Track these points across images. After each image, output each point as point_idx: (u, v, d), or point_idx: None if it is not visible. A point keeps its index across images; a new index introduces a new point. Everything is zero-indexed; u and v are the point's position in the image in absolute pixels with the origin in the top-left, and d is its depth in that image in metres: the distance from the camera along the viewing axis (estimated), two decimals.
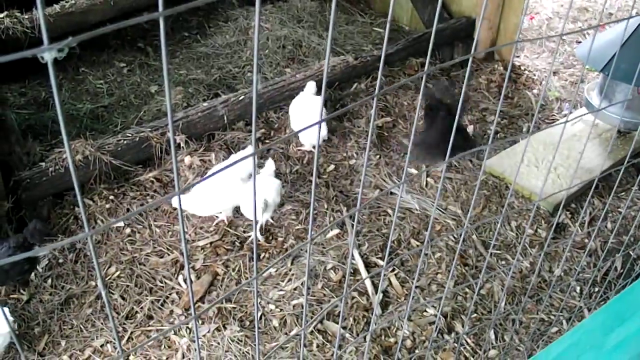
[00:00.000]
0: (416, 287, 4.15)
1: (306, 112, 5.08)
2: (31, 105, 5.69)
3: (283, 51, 6.47)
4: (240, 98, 5.24)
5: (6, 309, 3.77)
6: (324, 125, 5.05)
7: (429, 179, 5.03)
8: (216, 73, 6.22)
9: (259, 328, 3.91)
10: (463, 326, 3.88)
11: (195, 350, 3.75)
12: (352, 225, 4.55)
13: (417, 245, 4.45)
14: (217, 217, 4.60)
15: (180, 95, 5.72)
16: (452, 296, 4.07)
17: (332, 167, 5.13)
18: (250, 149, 4.65)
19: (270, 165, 4.62)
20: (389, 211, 4.73)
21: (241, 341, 3.82)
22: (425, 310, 4.01)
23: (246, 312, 4.01)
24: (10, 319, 3.66)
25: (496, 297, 4.09)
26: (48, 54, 0.83)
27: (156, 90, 5.98)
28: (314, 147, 5.12)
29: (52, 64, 0.85)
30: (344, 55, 5.93)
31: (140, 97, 5.86)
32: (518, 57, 6.82)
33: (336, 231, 4.56)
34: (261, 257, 4.39)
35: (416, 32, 6.47)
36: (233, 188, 4.38)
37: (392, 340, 3.83)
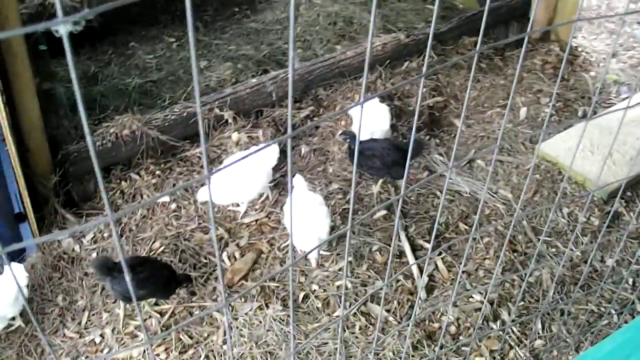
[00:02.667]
0: (463, 272, 4.06)
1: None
2: (81, 80, 5.70)
3: (334, 28, 6.37)
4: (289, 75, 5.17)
5: (21, 266, 3.81)
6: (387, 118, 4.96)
7: (479, 162, 4.90)
8: (265, 49, 6.17)
9: (300, 308, 3.88)
10: (509, 314, 3.78)
11: (237, 328, 3.75)
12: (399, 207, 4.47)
13: (466, 230, 4.35)
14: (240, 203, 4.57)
15: (229, 71, 5.69)
16: (500, 283, 3.97)
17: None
18: (273, 145, 4.54)
19: (300, 181, 4.26)
20: (438, 193, 4.64)
21: (283, 320, 3.79)
22: (472, 297, 3.93)
23: (288, 292, 3.98)
24: (25, 274, 3.72)
25: (545, 285, 3.98)
26: (63, 28, 0.77)
27: (205, 65, 5.95)
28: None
29: (68, 37, 0.79)
30: (396, 33, 5.81)
31: (189, 72, 5.84)
32: (575, 37, 6.60)
33: (383, 212, 4.48)
34: None
35: (470, 10, 6.30)
36: (255, 181, 4.35)
37: (436, 325, 3.76)
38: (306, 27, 6.41)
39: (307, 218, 3.95)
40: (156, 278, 3.60)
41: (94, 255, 4.18)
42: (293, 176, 4.33)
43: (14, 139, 3.86)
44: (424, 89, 5.46)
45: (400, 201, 1.66)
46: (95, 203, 4.53)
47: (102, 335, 3.75)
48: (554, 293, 3.93)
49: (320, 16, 6.49)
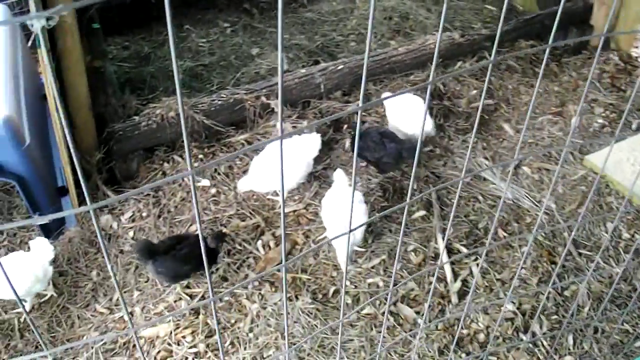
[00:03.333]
0: (497, 279, 3.99)
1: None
2: (133, 59, 5.81)
3: (389, 23, 6.32)
4: (339, 67, 5.15)
5: (46, 240, 3.87)
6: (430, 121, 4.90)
7: (525, 168, 4.80)
8: (319, 40, 6.15)
9: (330, 303, 3.87)
10: (541, 327, 3.70)
11: (265, 317, 3.75)
12: (439, 207, 4.42)
13: (505, 237, 4.27)
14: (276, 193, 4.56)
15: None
16: (534, 294, 3.89)
17: (429, 147, 4.97)
18: (315, 136, 4.50)
19: (341, 175, 4.21)
20: (479, 197, 4.56)
21: (311, 313, 3.78)
22: (504, 305, 3.85)
23: (320, 285, 3.97)
24: (51, 248, 3.79)
25: (580, 301, 3.88)
26: (37, 23, 0.76)
27: (257, 52, 5.97)
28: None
29: (43, 32, 0.79)
30: (450, 32, 5.72)
31: (240, 58, 5.86)
32: (636, 47, 6.39)
33: (422, 212, 4.43)
34: None
35: (529, 13, 6.17)
36: (294, 171, 4.33)
37: (464, 331, 3.71)
38: (361, 20, 6.36)
39: (344, 214, 3.92)
40: (198, 251, 3.62)
41: (131, 233, 4.23)
42: (334, 170, 4.32)
43: (61, 114, 3.92)
44: (474, 91, 5.37)
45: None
46: (137, 182, 4.58)
47: (131, 313, 3.80)
48: (589, 309, 3.83)
49: (377, 10, 6.43)
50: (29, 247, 3.82)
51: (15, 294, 1.26)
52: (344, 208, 3.93)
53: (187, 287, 3.93)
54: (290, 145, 4.33)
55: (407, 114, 4.77)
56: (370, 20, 1.12)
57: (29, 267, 3.60)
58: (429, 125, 4.81)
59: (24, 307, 1.25)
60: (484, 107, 5.36)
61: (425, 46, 5.38)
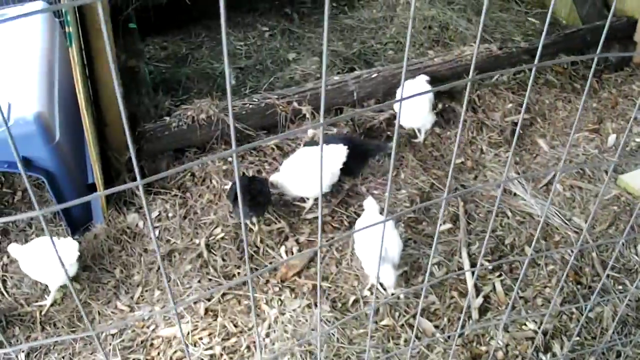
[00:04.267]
0: (520, 297, 3.92)
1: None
2: (170, 60, 5.88)
3: (428, 32, 6.27)
4: (373, 75, 5.13)
5: (76, 243, 3.92)
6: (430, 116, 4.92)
7: (557, 185, 4.71)
8: (357, 47, 6.14)
9: (349, 312, 3.85)
10: (562, 348, 3.62)
11: (282, 323, 3.75)
12: (465, 222, 4.37)
13: (531, 254, 4.19)
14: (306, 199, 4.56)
15: (315, 65, 5.69)
16: (557, 314, 3.81)
17: (461, 159, 4.92)
18: (341, 147, 4.45)
19: (372, 204, 4.08)
20: (508, 212, 4.49)
21: (329, 322, 3.77)
22: (525, 324, 3.78)
23: (340, 294, 3.95)
24: (77, 249, 3.85)
25: (605, 323, 3.78)
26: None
27: (294, 57, 5.98)
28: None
29: (75, 30, 0.79)
30: (488, 44, 5.66)
31: (277, 63, 5.89)
32: None
33: (448, 226, 4.39)
34: None
35: (570, 27, 6.06)
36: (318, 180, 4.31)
37: (483, 348, 3.65)
38: (401, 28, 6.33)
39: (378, 245, 3.81)
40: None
41: (156, 233, 4.27)
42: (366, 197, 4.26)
43: (91, 112, 3.99)
44: (510, 104, 5.29)
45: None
46: (166, 182, 4.62)
47: (151, 312, 3.84)
48: (613, 332, 3.74)
49: (416, 19, 6.40)
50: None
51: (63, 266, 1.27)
52: (378, 239, 3.78)
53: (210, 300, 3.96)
54: (316, 154, 4.32)
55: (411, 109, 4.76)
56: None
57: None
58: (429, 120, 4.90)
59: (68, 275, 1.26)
60: (520, 121, 5.26)
61: (461, 57, 5.33)
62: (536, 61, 1.63)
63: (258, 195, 4.14)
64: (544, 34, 1.44)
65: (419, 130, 5.03)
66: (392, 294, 3.90)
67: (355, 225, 4.09)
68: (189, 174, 4.67)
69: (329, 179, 4.38)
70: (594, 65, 1.75)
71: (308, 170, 4.22)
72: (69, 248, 3.80)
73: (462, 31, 6.28)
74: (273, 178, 4.40)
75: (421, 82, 4.99)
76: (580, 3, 6.07)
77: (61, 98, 4.19)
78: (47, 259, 3.65)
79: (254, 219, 4.31)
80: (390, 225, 3.88)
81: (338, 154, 4.33)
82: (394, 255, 3.74)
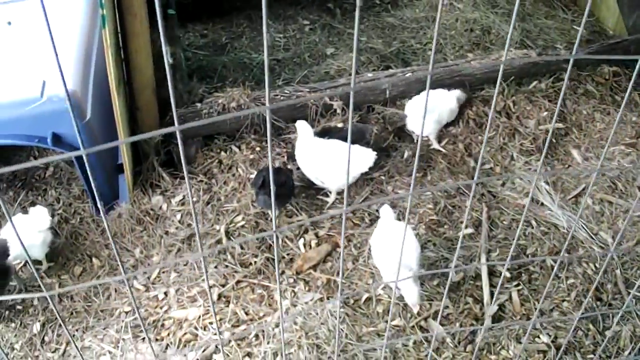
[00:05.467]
0: (536, 308, 3.86)
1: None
2: (209, 48, 5.93)
3: (469, 35, 6.20)
4: (407, 75, 5.10)
5: (44, 209, 4.07)
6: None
7: (587, 198, 4.62)
8: (396, 45, 6.11)
9: (360, 309, 3.86)
10: None
11: (293, 315, 3.77)
12: (487, 228, 4.33)
13: (552, 266, 4.13)
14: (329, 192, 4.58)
15: (351, 61, 5.68)
16: (573, 329, 3.74)
17: (490, 164, 4.87)
18: (370, 153, 4.36)
19: (388, 211, 4.03)
20: (533, 222, 4.43)
21: (340, 317, 3.78)
22: (538, 337, 3.73)
23: (354, 290, 3.96)
24: (48, 218, 4.01)
25: (622, 343, 3.71)
26: None
27: (331, 52, 5.98)
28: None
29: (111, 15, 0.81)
30: (527, 50, 5.58)
31: (314, 57, 5.90)
32: None
33: (470, 230, 4.35)
34: None
35: (615, 38, 5.93)
36: (337, 177, 4.33)
37: (493, 357, 3.62)
38: (442, 29, 6.27)
39: (396, 254, 3.73)
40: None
41: (178, 217, 4.34)
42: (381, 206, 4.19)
43: (123, 94, 4.06)
44: (545, 112, 5.21)
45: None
46: (193, 168, 4.68)
47: (165, 294, 3.90)
48: (629, 353, 3.66)
49: (459, 21, 6.33)
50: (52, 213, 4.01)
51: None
52: (395, 247, 3.66)
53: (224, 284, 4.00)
54: (343, 151, 4.30)
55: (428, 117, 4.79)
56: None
57: (26, 232, 3.84)
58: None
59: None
60: (553, 130, 5.19)
61: (498, 62, 5.25)
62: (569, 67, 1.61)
63: (282, 187, 4.17)
64: (578, 35, 1.42)
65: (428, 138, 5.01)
66: (418, 314, 3.84)
67: (372, 235, 4.04)
68: (217, 160, 4.73)
69: (350, 179, 4.38)
70: (634, 76, 1.72)
71: (328, 161, 4.25)
72: (40, 215, 3.96)
73: (503, 36, 6.19)
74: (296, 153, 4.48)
75: (449, 95, 4.95)
76: (627, 13, 5.93)
77: (96, 78, 4.27)
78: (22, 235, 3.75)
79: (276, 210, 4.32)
80: (410, 233, 3.84)
81: (365, 159, 4.29)
82: (412, 263, 3.66)
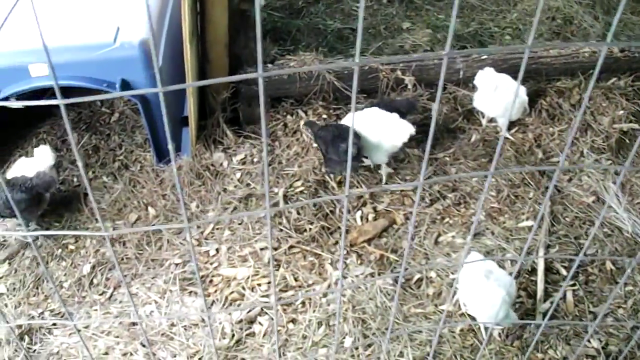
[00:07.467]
0: (590, 312, 3.75)
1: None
2: (285, 10, 5.90)
3: (550, 23, 6.00)
4: (483, 57, 4.96)
5: (49, 148, 4.20)
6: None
7: None
8: (474, 26, 5.96)
9: (410, 289, 3.80)
10: None
11: (342, 287, 3.74)
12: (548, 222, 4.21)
13: (611, 270, 4.00)
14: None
15: (427, 38, 5.58)
16: (625, 337, 3.63)
17: (558, 158, 4.72)
18: (407, 126, 4.26)
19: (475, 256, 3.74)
20: (596, 222, 4.28)
21: (389, 295, 3.74)
22: (589, 341, 3.62)
23: (406, 270, 3.90)
24: (53, 155, 4.16)
25: None
26: None
27: (407, 27, 5.87)
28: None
29: None
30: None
31: (390, 29, 5.80)
32: None
33: (530, 223, 4.23)
34: (444, 220, 4.22)
35: None
36: (379, 146, 4.25)
37: (539, 355, 3.52)
38: (522, 15, 6.10)
39: (488, 300, 3.42)
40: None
41: (238, 175, 4.33)
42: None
43: (195, 47, 4.05)
44: (621, 111, 5.01)
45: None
46: (257, 128, 4.66)
47: (217, 250, 3.91)
48: None
49: (539, 8, 6.13)
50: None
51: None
52: (486, 292, 3.39)
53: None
54: (384, 120, 4.23)
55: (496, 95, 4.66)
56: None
57: (31, 171, 3.96)
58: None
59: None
60: (628, 130, 5.00)
61: (578, 53, 5.07)
62: None
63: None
64: None
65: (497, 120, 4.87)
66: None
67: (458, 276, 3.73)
68: (282, 123, 4.70)
69: (387, 150, 4.28)
70: None
71: (370, 133, 4.20)
72: (45, 154, 4.10)
73: (585, 27, 5.97)
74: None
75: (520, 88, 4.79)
76: None
77: (170, 29, 4.27)
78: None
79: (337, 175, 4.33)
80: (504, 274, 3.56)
81: (401, 131, 4.21)
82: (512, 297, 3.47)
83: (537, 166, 4.60)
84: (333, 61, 4.77)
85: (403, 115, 4.39)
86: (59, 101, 1.13)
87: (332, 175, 4.37)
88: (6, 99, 3.92)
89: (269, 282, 3.74)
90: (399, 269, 3.89)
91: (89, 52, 3.86)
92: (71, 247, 4.02)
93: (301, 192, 4.28)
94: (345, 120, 4.42)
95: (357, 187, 4.37)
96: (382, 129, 4.18)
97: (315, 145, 4.48)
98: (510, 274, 3.67)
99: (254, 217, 4.07)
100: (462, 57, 4.95)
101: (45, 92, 4.39)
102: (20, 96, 3.98)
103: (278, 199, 4.21)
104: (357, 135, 4.14)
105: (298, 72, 4.60)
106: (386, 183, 4.41)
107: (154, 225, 4.01)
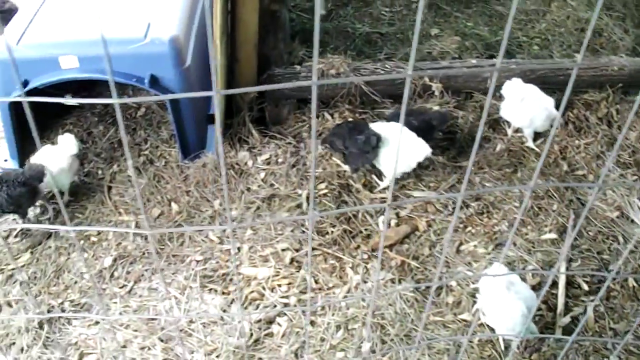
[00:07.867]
0: (611, 328, 3.72)
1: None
2: (314, 12, 5.89)
3: (579, 35, 5.96)
4: (512, 67, 4.95)
5: (71, 136, 4.25)
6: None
7: None
8: (502, 35, 5.93)
9: (430, 296, 3.79)
10: None
11: (362, 291, 3.74)
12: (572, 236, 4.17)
13: (634, 287, 3.97)
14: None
15: (455, 45, 5.56)
16: None
17: (583, 171, 4.68)
18: (425, 147, 4.27)
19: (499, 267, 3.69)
20: (620, 238, 4.25)
21: (409, 301, 3.73)
22: (608, 357, 3.59)
23: (427, 276, 3.89)
24: (76, 143, 4.21)
25: None
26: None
27: (436, 33, 5.87)
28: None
29: None
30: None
31: (418, 35, 5.80)
32: None
33: (553, 235, 4.21)
34: (466, 229, 4.20)
35: None
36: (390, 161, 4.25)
37: None
38: (551, 25, 6.07)
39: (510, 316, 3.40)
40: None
41: (262, 175, 4.34)
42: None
43: (225, 46, 4.06)
44: None
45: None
46: (284, 128, 4.68)
47: (238, 249, 3.92)
48: None
49: (570, 19, 6.10)
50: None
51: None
52: (506, 304, 3.37)
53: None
54: (404, 137, 4.23)
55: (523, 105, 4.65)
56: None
57: (55, 159, 4.04)
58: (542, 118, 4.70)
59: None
60: None
61: (607, 66, 5.03)
62: None
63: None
64: None
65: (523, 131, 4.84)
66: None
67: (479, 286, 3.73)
68: (307, 125, 4.71)
69: (403, 169, 4.32)
70: None
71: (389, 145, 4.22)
72: (69, 142, 4.17)
73: (615, 40, 5.93)
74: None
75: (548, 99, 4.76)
76: None
77: (200, 27, 4.29)
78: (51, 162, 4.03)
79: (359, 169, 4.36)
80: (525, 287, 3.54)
81: (419, 151, 4.21)
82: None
83: (568, 182, 4.56)
84: (361, 65, 4.75)
85: (434, 128, 4.41)
86: (114, 100, 1.14)
87: (355, 176, 4.37)
88: (35, 89, 3.96)
89: (289, 283, 3.74)
90: (419, 276, 3.88)
91: (120, 47, 3.89)
92: (93, 239, 4.05)
93: (324, 194, 4.28)
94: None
95: (381, 192, 4.35)
96: (399, 147, 4.18)
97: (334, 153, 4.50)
98: (532, 287, 3.66)
99: (311, 217, 4.06)
100: (491, 65, 4.93)
101: (69, 84, 4.42)
102: (46, 88, 4.02)
103: (301, 201, 4.22)
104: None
105: (348, 81, 4.62)
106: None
107: (176, 221, 4.03)
